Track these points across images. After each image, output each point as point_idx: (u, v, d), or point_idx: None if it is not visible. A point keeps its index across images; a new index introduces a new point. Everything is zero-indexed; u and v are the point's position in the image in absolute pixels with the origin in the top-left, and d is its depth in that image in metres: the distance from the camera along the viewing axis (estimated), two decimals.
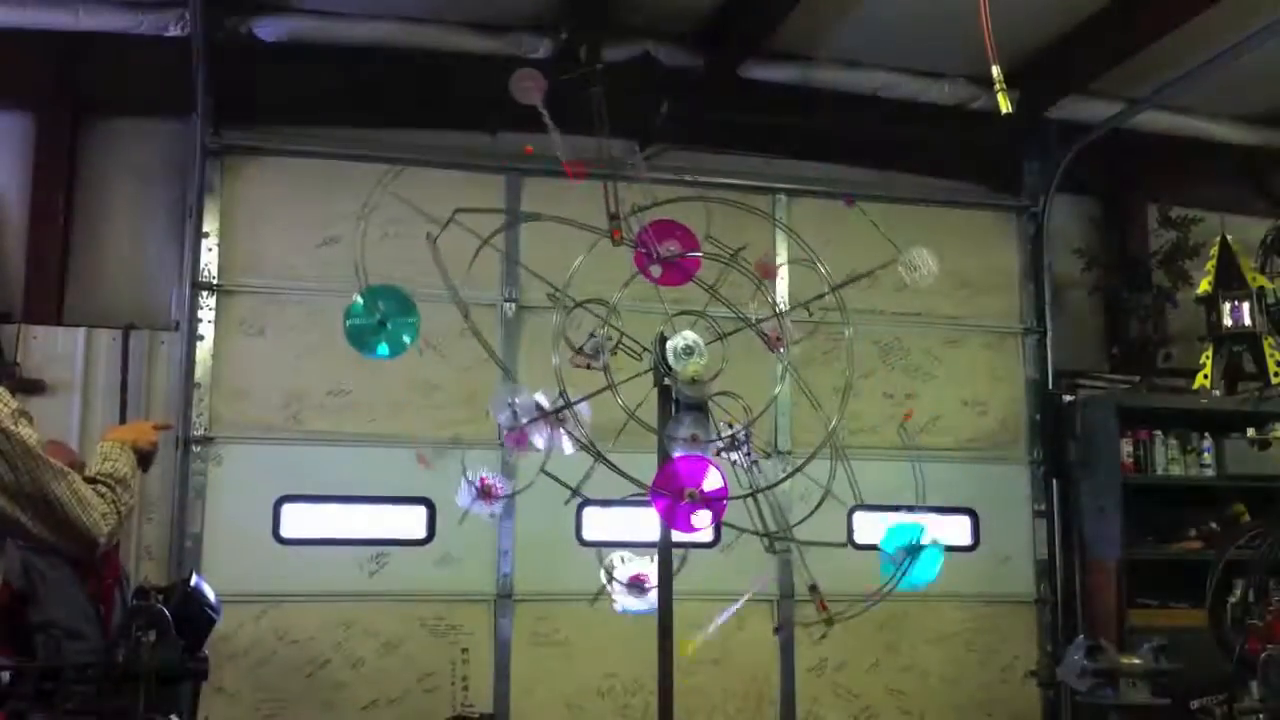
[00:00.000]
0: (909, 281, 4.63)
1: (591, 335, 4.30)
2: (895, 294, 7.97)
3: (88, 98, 7.18)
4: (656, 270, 4.47)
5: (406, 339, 4.30)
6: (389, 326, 4.33)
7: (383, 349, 4.32)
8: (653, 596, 4.36)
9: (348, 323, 4.33)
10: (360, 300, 4.28)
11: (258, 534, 6.92)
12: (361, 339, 4.34)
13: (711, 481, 4.27)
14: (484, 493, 4.29)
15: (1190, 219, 8.35)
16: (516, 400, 4.21)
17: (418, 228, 7.36)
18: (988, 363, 8.20)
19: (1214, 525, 7.83)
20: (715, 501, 4.29)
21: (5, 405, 2.95)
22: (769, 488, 4.60)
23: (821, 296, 4.67)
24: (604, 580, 4.37)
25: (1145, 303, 8.22)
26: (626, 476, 4.30)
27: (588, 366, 4.31)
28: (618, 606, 4.43)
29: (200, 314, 6.97)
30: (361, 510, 7.13)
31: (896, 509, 7.76)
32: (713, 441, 4.30)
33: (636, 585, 4.33)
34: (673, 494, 4.23)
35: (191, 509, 6.82)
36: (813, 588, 4.26)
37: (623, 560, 4.38)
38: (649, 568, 4.36)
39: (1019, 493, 8.12)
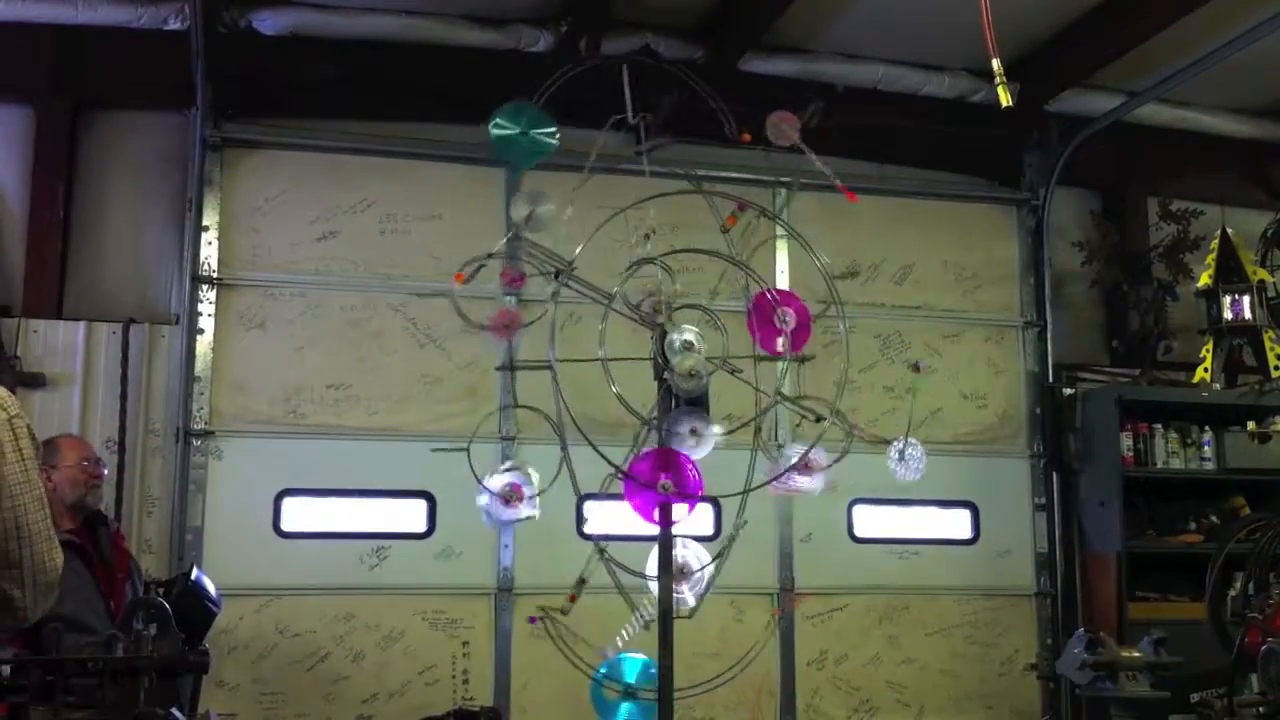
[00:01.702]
0: (893, 470, 4.65)
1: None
2: (895, 287, 8.00)
3: (87, 91, 7.16)
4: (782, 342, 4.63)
5: (542, 151, 4.57)
6: (529, 136, 4.53)
7: (524, 159, 4.60)
8: (525, 508, 4.36)
9: (494, 133, 4.52)
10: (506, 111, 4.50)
11: (258, 527, 6.92)
12: (505, 147, 4.54)
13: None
14: (502, 326, 4.35)
15: (1191, 212, 8.34)
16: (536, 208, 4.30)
17: (414, 224, 7.42)
18: (988, 356, 8.19)
19: (1214, 518, 7.84)
20: (690, 495, 4.32)
21: (3, 410, 2.85)
22: (763, 485, 4.60)
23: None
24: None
25: (1145, 296, 8.21)
26: (614, 466, 4.32)
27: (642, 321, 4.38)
28: (487, 514, 4.42)
29: (200, 308, 6.97)
30: (362, 504, 7.13)
31: (898, 502, 7.86)
32: None
33: (508, 496, 4.33)
34: (646, 485, 4.25)
35: (192, 503, 6.82)
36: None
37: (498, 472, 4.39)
38: (522, 479, 4.36)
39: (1019, 486, 8.12)
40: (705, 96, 4.64)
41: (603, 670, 4.42)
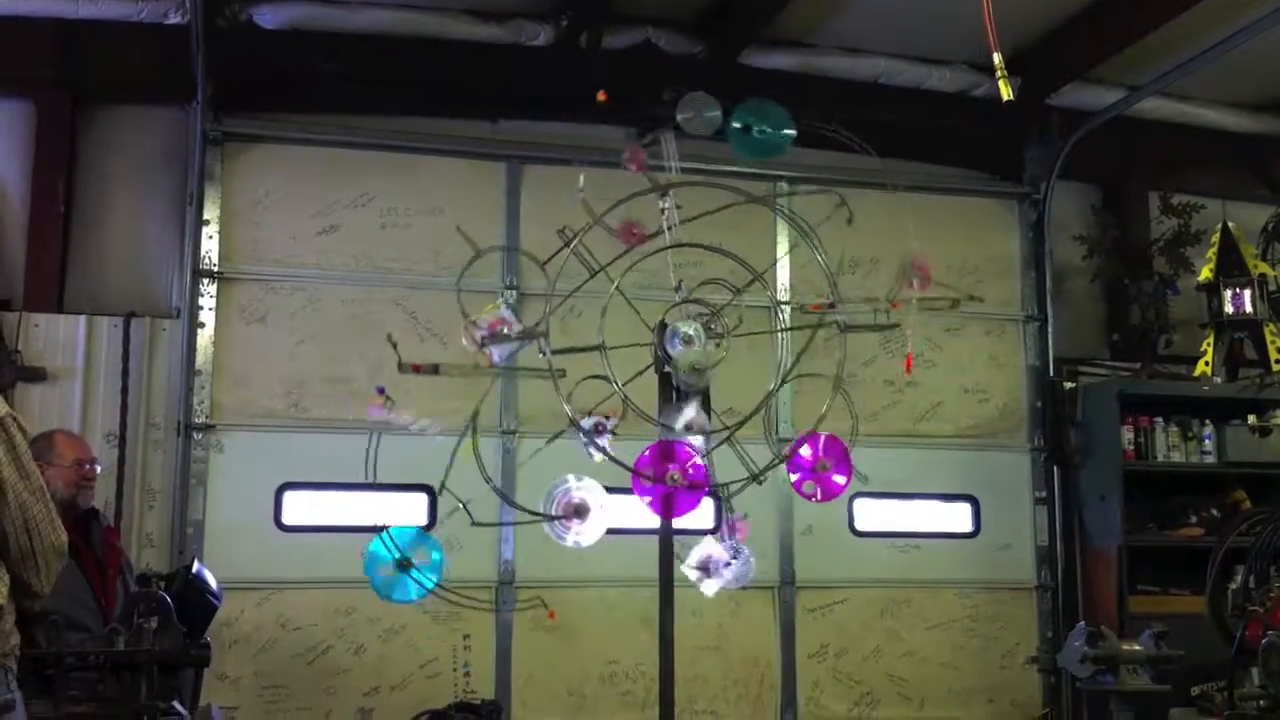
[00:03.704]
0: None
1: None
2: (896, 280, 7.97)
3: (88, 85, 7.16)
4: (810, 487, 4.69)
5: (779, 147, 4.81)
6: (765, 134, 4.72)
7: (760, 154, 4.84)
8: (510, 346, 4.37)
9: (732, 126, 4.68)
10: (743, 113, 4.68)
11: (259, 521, 6.92)
12: (741, 142, 4.72)
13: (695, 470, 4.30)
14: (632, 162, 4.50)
15: (1191, 206, 8.33)
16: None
17: (415, 218, 7.42)
18: (988, 350, 8.19)
19: (1214, 512, 7.84)
20: (697, 484, 4.31)
21: None
22: (761, 473, 4.60)
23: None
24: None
25: (1146, 290, 8.21)
26: (616, 460, 4.32)
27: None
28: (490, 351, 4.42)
29: (201, 301, 6.97)
30: (363, 497, 7.12)
31: (901, 496, 7.87)
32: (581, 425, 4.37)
33: (497, 333, 4.36)
34: (655, 478, 4.25)
35: (193, 496, 6.82)
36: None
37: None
38: (508, 314, 4.39)
39: (1020, 480, 8.13)
40: (845, 139, 5.00)
41: (388, 535, 4.37)
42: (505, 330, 4.36)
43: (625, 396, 4.41)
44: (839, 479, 4.65)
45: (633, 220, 4.51)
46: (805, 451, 4.63)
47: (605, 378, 4.44)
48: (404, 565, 4.23)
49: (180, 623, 4.36)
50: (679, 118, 4.54)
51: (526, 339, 4.37)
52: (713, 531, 7.21)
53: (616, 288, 4.49)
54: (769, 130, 4.65)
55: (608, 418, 4.39)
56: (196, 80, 6.89)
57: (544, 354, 4.37)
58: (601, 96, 4.95)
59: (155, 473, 6.89)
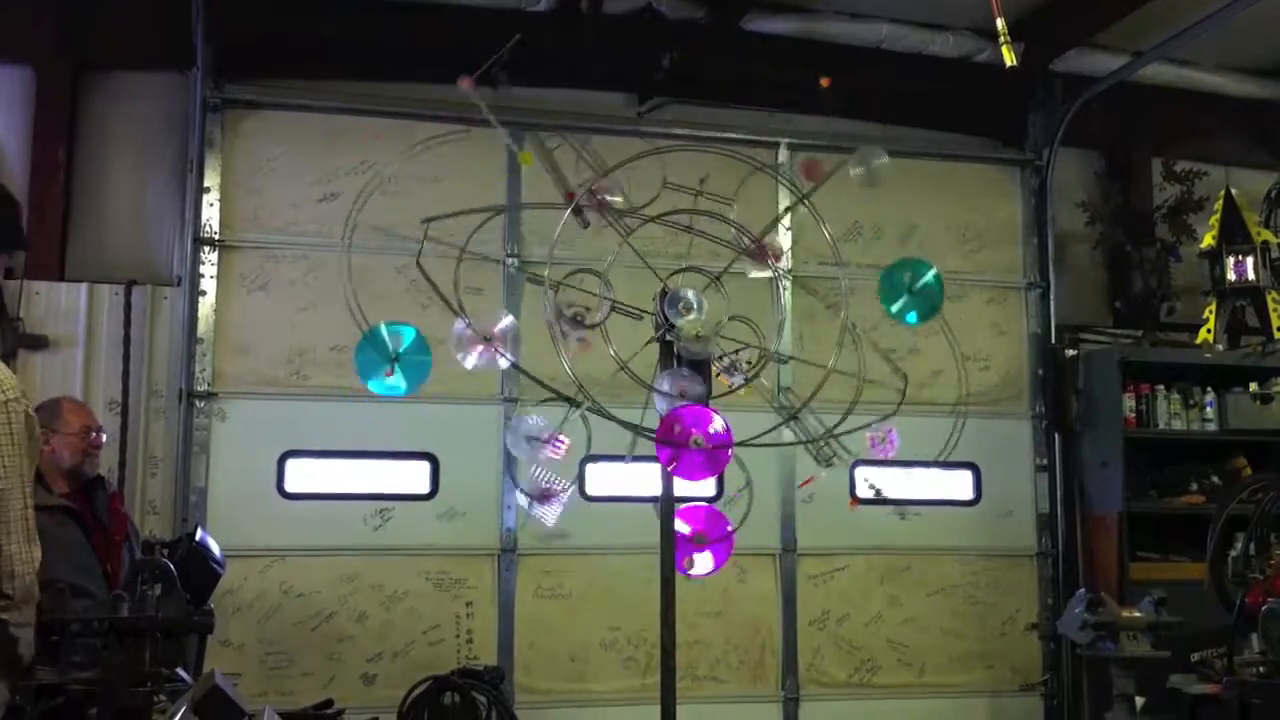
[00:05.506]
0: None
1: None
2: (899, 248, 7.97)
3: (88, 52, 7.13)
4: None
5: (935, 302, 4.98)
6: (914, 292, 4.94)
7: (919, 316, 4.98)
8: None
9: (889, 308, 4.96)
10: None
11: (262, 488, 6.94)
12: (902, 310, 4.96)
13: (715, 428, 4.30)
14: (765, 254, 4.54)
15: (1195, 173, 8.32)
16: None
17: (414, 186, 7.39)
18: (990, 317, 8.18)
19: (1215, 479, 7.85)
20: (719, 449, 4.31)
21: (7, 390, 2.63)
22: (750, 441, 4.61)
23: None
24: None
25: (1149, 257, 8.20)
26: (629, 426, 4.32)
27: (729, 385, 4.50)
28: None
29: (202, 269, 6.96)
30: (365, 465, 7.14)
31: (904, 464, 7.85)
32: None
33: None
34: (677, 442, 4.25)
35: (195, 464, 6.84)
36: None
37: None
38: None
39: (1021, 447, 8.13)
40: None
41: (383, 329, 4.45)
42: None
43: (608, 302, 4.42)
44: (706, 562, 4.60)
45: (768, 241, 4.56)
46: (683, 527, 4.58)
47: (597, 273, 4.45)
48: (394, 360, 4.36)
49: (184, 590, 4.36)
50: (852, 173, 4.55)
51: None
52: (715, 498, 7.27)
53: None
54: (918, 288, 4.69)
55: (587, 309, 4.42)
56: (196, 46, 6.87)
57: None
58: (825, 82, 4.94)
59: (158, 440, 6.90)
